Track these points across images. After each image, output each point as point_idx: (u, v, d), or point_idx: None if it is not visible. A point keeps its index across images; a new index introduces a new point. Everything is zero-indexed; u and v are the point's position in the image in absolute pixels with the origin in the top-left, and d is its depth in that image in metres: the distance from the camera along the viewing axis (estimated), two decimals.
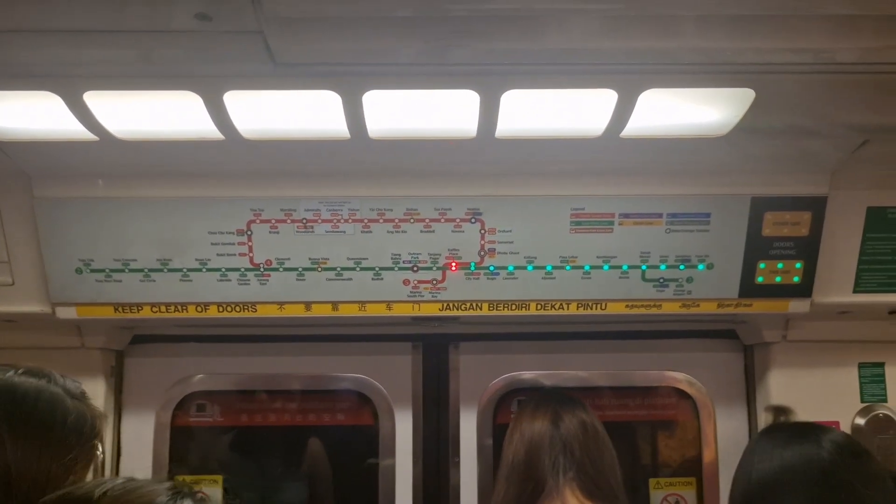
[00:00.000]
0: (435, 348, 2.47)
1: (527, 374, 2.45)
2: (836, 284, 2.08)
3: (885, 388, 2.29)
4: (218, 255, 1.99)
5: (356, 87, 1.48)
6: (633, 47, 1.41)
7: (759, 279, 2.03)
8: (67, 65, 1.43)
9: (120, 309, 2.04)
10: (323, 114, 1.60)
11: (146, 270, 1.99)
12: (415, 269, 2.01)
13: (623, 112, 1.58)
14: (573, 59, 1.44)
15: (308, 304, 2.04)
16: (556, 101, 1.60)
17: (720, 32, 1.37)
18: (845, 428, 2.27)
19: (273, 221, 1.97)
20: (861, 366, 2.31)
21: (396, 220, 1.97)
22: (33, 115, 1.64)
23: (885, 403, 2.28)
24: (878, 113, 1.68)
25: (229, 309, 2.04)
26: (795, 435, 1.78)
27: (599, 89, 1.51)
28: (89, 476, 2.24)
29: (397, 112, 1.62)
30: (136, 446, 2.39)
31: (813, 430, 1.79)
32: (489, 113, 1.58)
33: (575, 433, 1.95)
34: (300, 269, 2.01)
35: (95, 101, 1.53)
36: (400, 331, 2.44)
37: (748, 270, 2.02)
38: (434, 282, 2.03)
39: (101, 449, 2.25)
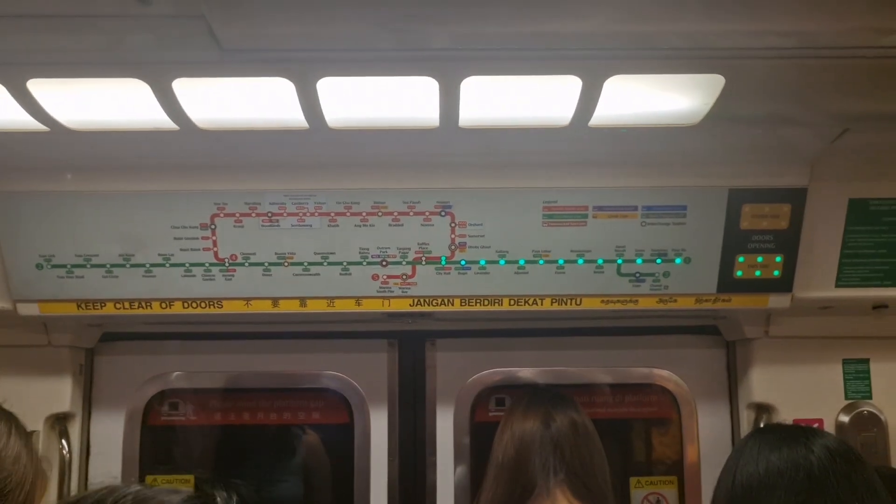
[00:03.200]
0: (411, 345, 2.43)
1: (505, 372, 2.40)
2: (818, 279, 2.02)
3: (869, 385, 2.24)
4: (181, 249, 1.94)
5: (309, 74, 1.43)
6: (596, 31, 1.35)
7: (738, 273, 1.97)
8: (9, 51, 1.37)
9: (83, 305, 1.99)
10: (279, 102, 1.54)
11: (108, 266, 1.94)
12: (384, 263, 1.96)
13: (589, 100, 1.52)
14: (534, 45, 1.38)
15: (275, 300, 1.99)
16: (520, 88, 1.54)
17: (688, 15, 1.31)
18: (829, 425, 2.22)
19: (237, 215, 1.92)
20: (845, 362, 2.26)
21: (364, 214, 1.92)
22: None
23: (869, 400, 2.23)
24: (856, 100, 1.62)
25: (194, 305, 1.99)
26: (786, 438, 1.71)
27: (563, 76, 1.45)
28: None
29: (356, 100, 1.57)
30: (105, 445, 2.35)
31: (804, 434, 1.72)
32: (450, 101, 1.52)
33: (566, 434, 1.91)
34: (266, 264, 1.96)
35: (42, 89, 1.47)
36: (376, 328, 2.39)
37: (726, 264, 1.97)
38: (404, 277, 1.98)
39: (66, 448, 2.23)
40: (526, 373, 2.41)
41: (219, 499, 1.07)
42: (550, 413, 1.95)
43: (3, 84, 1.43)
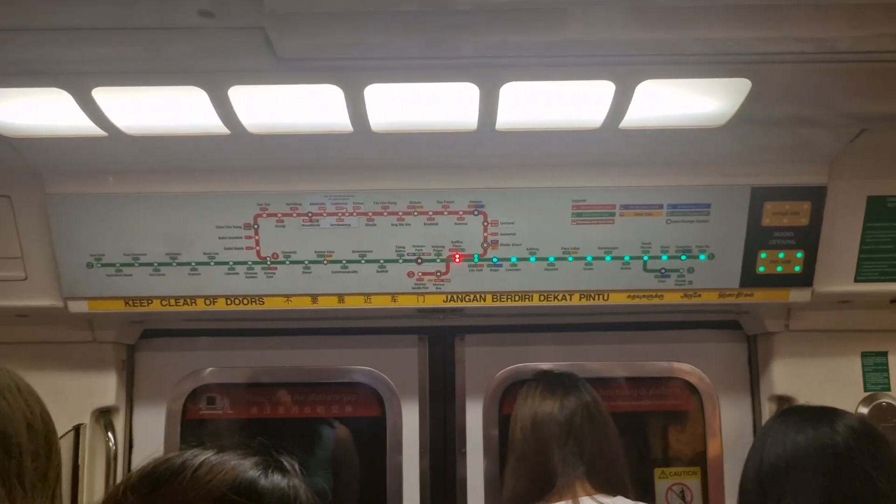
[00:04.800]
0: (441, 340, 2.50)
1: (532, 366, 2.47)
2: (838, 274, 2.09)
3: (888, 377, 2.29)
4: (225, 248, 2.02)
5: (357, 81, 1.51)
6: (630, 39, 1.43)
7: (760, 269, 2.04)
8: (76, 62, 1.46)
9: (130, 303, 2.08)
10: (326, 108, 1.63)
11: (155, 264, 2.03)
12: (419, 261, 2.04)
13: (621, 103, 1.60)
14: (571, 51, 1.47)
15: (314, 297, 2.08)
16: (555, 93, 1.62)
17: (717, 23, 1.40)
18: None
19: (279, 215, 2.00)
20: (864, 355, 2.31)
21: (400, 213, 2.00)
22: (44, 112, 1.68)
23: (888, 392, 2.29)
24: (873, 102, 1.69)
25: (237, 302, 2.08)
26: (810, 419, 1.76)
27: (597, 81, 1.53)
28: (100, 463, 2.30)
29: (399, 106, 1.65)
30: (147, 439, 2.43)
31: (828, 415, 1.77)
32: (489, 105, 1.60)
33: (581, 423, 1.94)
34: (306, 262, 2.04)
35: (104, 97, 1.56)
36: (406, 323, 2.47)
37: (749, 260, 2.04)
38: (438, 273, 2.06)
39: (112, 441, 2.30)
40: (552, 367, 2.47)
41: (285, 463, 1.14)
42: (564, 402, 1.97)
43: (71, 92, 1.52)
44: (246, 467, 1.06)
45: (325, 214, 2.00)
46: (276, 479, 1.07)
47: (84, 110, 1.59)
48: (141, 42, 1.41)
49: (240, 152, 1.86)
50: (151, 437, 2.43)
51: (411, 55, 1.46)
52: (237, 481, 1.03)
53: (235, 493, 1.01)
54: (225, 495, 1.01)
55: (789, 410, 1.94)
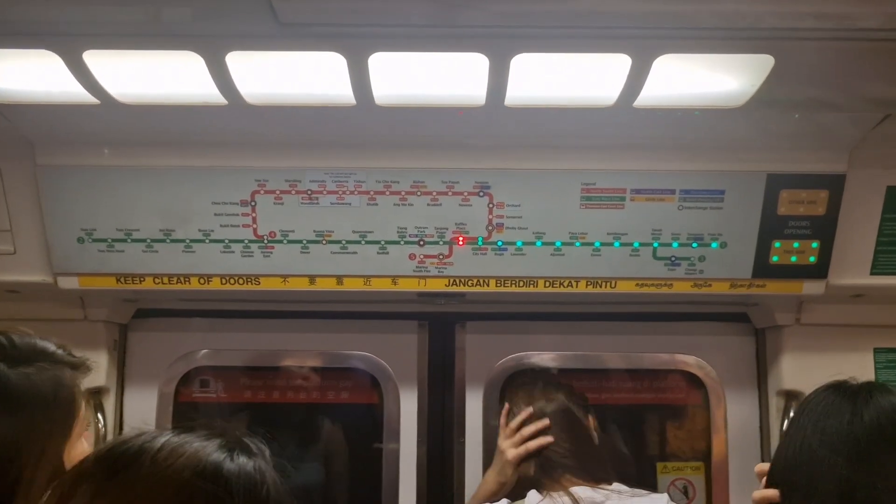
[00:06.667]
0: (441, 327, 2.44)
1: (534, 355, 2.42)
2: (853, 266, 2.02)
3: None
4: (221, 226, 1.96)
5: (362, 49, 1.44)
6: (648, 10, 1.36)
7: (774, 259, 1.98)
8: (67, 22, 1.39)
9: (122, 280, 2.01)
10: (328, 79, 1.56)
11: (149, 241, 1.97)
12: (421, 243, 1.98)
13: (637, 79, 1.53)
14: (586, 23, 1.40)
15: (312, 278, 2.01)
16: (568, 67, 1.55)
17: None
18: None
19: (278, 192, 1.94)
20: (876, 351, 2.25)
21: (403, 193, 1.93)
22: (33, 77, 1.61)
23: None
24: None
25: (232, 281, 2.01)
26: (837, 404, 1.65)
27: (613, 54, 1.46)
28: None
29: (405, 77, 1.58)
30: (138, 420, 2.37)
31: (856, 399, 1.65)
32: (498, 78, 1.53)
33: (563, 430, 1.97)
34: (304, 242, 1.97)
35: (96, 61, 1.50)
36: (407, 308, 2.41)
37: (762, 250, 1.97)
38: (440, 256, 1.99)
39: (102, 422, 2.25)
40: (555, 356, 2.42)
41: (251, 445, 1.07)
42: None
43: (60, 55, 1.45)
44: (210, 450, 0.98)
45: (325, 192, 1.93)
46: (243, 461, 0.99)
47: (75, 75, 1.52)
48: (136, 2, 1.34)
49: (238, 125, 1.79)
50: (142, 419, 2.37)
51: (419, 22, 1.39)
52: (201, 465, 0.95)
53: (201, 478, 0.93)
54: (189, 481, 0.93)
55: (822, 390, 1.79)
